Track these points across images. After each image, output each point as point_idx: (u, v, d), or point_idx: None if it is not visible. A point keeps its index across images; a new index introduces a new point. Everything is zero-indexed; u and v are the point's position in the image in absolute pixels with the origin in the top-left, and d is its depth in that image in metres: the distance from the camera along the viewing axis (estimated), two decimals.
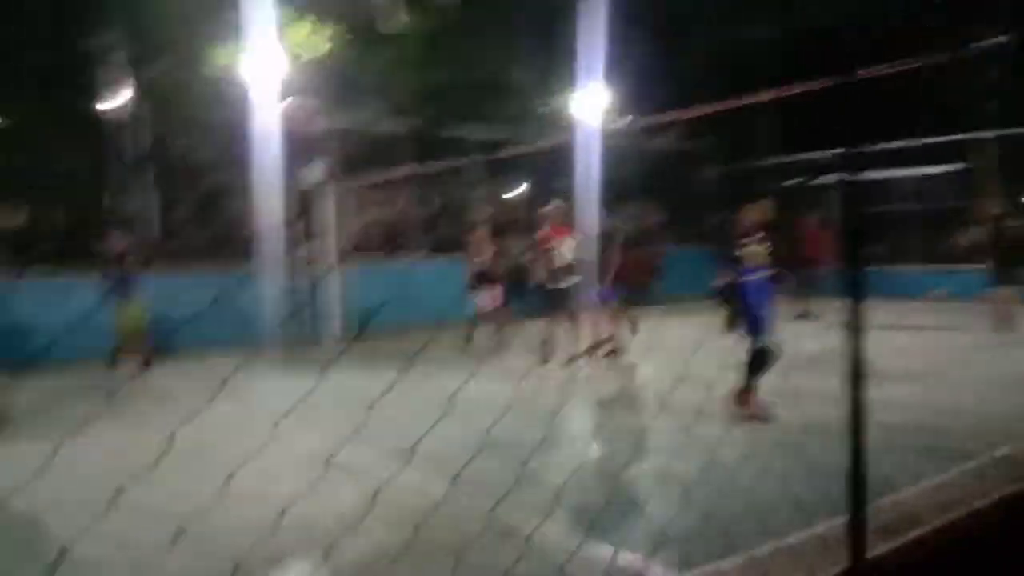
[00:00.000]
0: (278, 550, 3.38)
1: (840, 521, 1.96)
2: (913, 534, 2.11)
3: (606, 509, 4.20)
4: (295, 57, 11.32)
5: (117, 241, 9.12)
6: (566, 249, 8.71)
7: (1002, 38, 12.15)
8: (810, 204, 14.78)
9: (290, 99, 10.78)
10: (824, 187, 16.87)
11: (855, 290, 1.98)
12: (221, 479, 1.90)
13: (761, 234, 5.86)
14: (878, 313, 4.55)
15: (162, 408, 6.57)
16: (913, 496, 2.45)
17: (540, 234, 9.04)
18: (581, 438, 5.17)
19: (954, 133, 14.27)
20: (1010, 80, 13.83)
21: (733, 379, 5.62)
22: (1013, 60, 12.77)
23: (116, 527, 3.24)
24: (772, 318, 5.61)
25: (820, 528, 2.08)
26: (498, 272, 10.46)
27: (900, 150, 15.01)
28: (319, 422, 4.56)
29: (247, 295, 10.25)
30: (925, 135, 15.28)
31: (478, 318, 10.39)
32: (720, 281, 5.79)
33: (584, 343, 8.66)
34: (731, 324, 5.61)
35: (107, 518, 1.92)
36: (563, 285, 8.65)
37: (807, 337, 4.90)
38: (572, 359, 8.55)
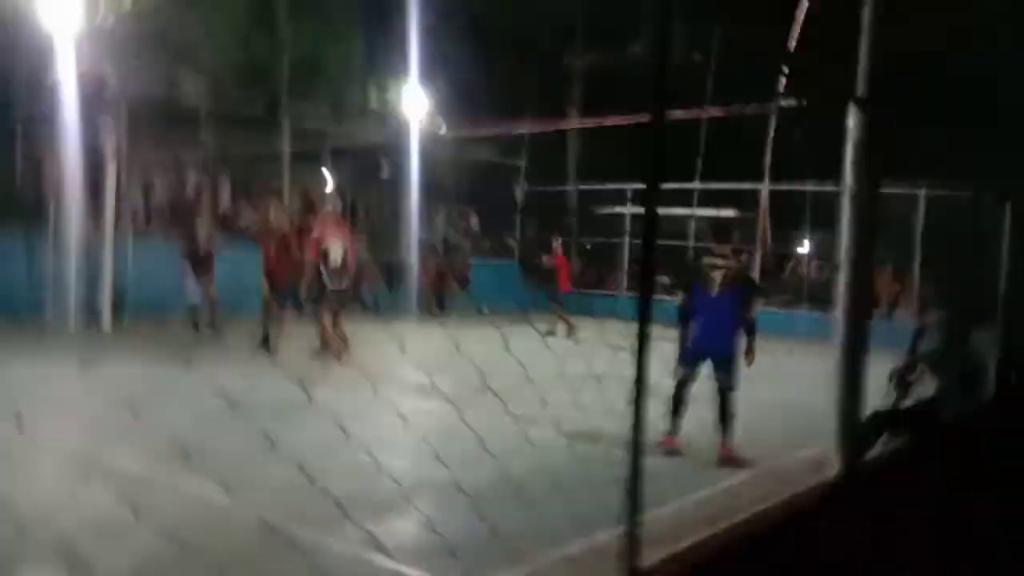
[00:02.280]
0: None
1: (617, 532, 2.00)
2: (683, 544, 2.22)
3: (391, 519, 4.11)
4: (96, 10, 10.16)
5: None
6: (337, 249, 8.61)
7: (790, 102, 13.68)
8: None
9: (84, 53, 9.62)
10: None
11: (643, 313, 2.04)
12: None
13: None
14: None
15: None
16: (687, 507, 2.60)
17: (315, 233, 8.90)
18: (363, 444, 5.01)
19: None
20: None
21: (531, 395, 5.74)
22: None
23: None
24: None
25: (598, 539, 2.13)
26: (212, 259, 10.13)
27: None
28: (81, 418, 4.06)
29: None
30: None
31: (194, 306, 10.05)
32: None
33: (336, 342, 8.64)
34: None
35: None
36: (332, 286, 8.55)
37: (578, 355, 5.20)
38: (324, 354, 8.55)
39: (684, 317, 5.80)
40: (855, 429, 3.49)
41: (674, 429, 5.69)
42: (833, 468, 3.40)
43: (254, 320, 9.85)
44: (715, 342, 5.71)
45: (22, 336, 7.75)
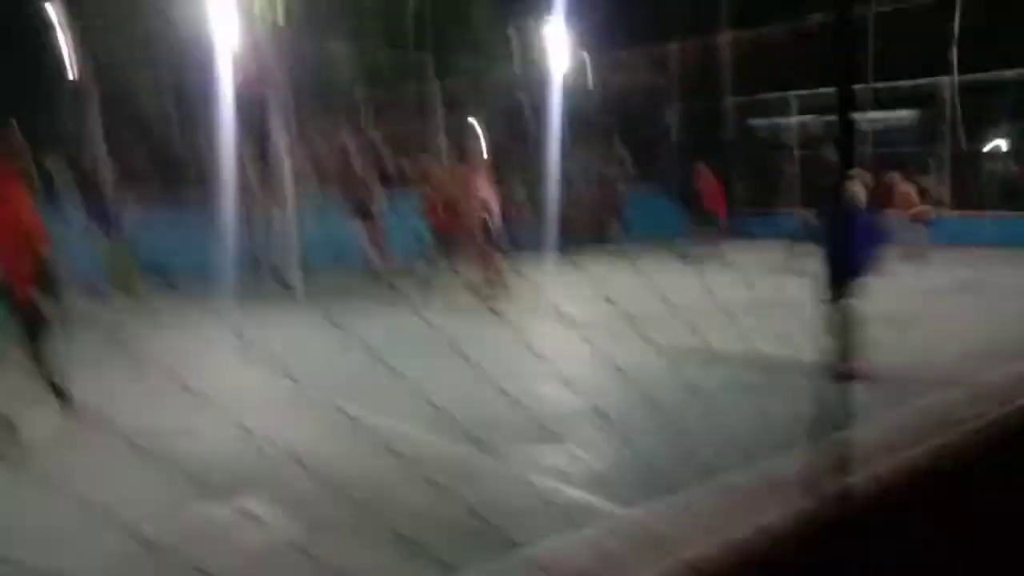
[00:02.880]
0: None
1: (820, 449, 1.94)
2: (891, 461, 2.11)
3: (590, 436, 4.23)
4: None
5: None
6: (486, 194, 8.84)
7: None
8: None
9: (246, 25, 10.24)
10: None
11: (835, 233, 1.92)
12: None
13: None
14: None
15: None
16: (891, 423, 2.47)
17: (463, 175, 9.23)
18: (540, 374, 5.12)
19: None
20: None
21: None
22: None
23: None
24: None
25: (800, 456, 2.07)
26: (375, 208, 10.43)
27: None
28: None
29: (212, 230, 10.04)
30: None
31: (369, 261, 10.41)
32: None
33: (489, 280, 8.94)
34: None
35: None
36: (485, 229, 8.89)
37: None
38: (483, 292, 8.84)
39: (822, 235, 5.51)
40: None
41: (851, 352, 5.40)
42: None
43: (421, 268, 10.29)
44: (853, 260, 5.40)
45: (229, 300, 8.59)
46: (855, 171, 5.57)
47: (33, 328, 4.59)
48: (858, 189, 5.59)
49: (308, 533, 3.10)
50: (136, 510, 2.76)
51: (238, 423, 2.75)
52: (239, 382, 5.10)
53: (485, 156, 9.24)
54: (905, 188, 11.88)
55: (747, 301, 4.93)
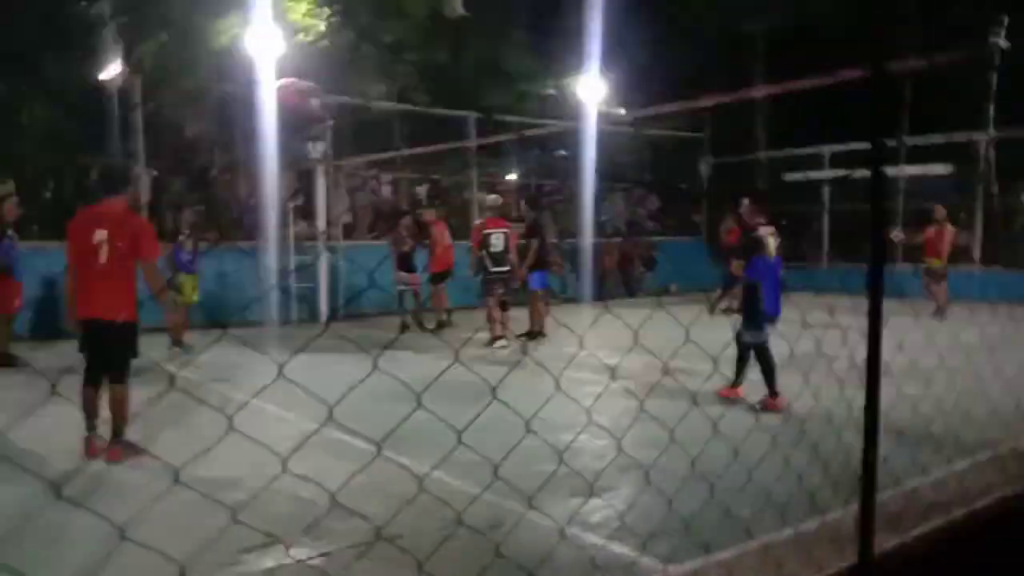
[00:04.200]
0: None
1: (849, 513, 1.98)
2: (921, 529, 2.14)
3: (610, 492, 4.23)
4: (295, 35, 11.23)
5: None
6: (498, 239, 9.18)
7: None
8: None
9: (286, 78, 10.63)
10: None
11: (875, 286, 1.99)
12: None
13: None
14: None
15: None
16: (922, 489, 2.49)
17: (476, 224, 9.75)
18: (572, 422, 5.15)
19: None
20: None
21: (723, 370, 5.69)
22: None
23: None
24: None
25: (829, 519, 2.11)
26: (413, 258, 10.67)
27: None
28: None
29: (247, 271, 10.38)
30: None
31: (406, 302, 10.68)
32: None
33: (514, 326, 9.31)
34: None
35: None
36: (495, 272, 9.16)
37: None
38: (499, 339, 9.14)
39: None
40: None
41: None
42: None
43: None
44: (776, 304, 6.09)
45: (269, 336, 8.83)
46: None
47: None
48: (770, 240, 6.15)
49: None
50: None
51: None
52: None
53: (499, 203, 9.72)
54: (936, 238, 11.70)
55: (792, 354, 4.96)
